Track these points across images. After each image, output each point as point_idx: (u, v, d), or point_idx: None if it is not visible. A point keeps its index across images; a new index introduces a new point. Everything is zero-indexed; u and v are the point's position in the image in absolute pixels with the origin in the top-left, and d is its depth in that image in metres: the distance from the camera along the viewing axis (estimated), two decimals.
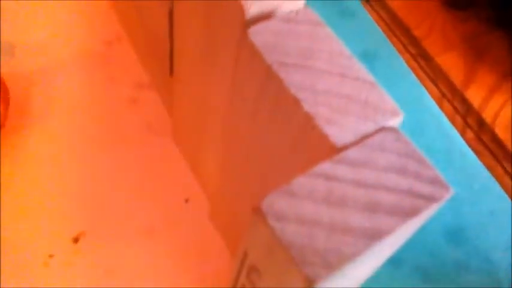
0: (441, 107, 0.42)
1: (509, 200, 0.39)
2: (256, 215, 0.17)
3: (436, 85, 0.43)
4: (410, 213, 0.18)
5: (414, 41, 0.45)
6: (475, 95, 0.43)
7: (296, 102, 0.19)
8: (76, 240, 0.34)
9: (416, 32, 0.45)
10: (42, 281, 0.32)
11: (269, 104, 0.22)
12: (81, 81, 0.40)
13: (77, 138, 0.38)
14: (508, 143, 0.41)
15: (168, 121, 0.39)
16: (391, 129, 0.19)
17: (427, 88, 0.43)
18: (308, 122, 0.19)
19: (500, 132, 0.41)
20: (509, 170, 0.40)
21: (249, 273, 0.21)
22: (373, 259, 0.19)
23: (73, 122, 0.38)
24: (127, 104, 0.40)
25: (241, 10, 0.21)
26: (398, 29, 0.46)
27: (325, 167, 0.18)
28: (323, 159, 0.19)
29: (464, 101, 0.42)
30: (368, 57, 0.44)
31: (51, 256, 0.33)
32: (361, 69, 0.21)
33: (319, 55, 0.21)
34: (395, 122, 0.20)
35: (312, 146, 0.20)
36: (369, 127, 0.19)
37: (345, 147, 0.19)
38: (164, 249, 0.35)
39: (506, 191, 0.39)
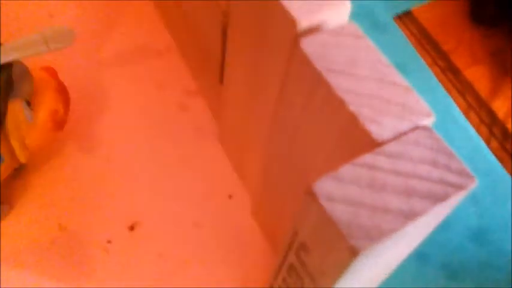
0: (468, 117, 0.45)
1: None
2: (309, 196, 0.20)
3: (464, 97, 0.46)
4: (440, 198, 0.21)
5: (443, 55, 0.48)
6: (500, 107, 0.45)
7: (342, 103, 0.23)
8: (132, 228, 0.37)
9: (445, 47, 0.48)
10: (101, 264, 0.36)
11: (316, 107, 0.25)
12: (134, 88, 0.44)
13: (132, 139, 0.42)
14: None
15: (214, 125, 0.43)
16: (424, 128, 0.22)
17: (455, 100, 0.46)
18: (352, 121, 0.22)
19: None
20: None
21: (297, 250, 0.24)
22: (407, 239, 0.22)
23: (128, 125, 0.42)
24: (176, 109, 0.43)
25: (293, 23, 0.25)
26: (428, 44, 0.49)
27: (368, 157, 0.21)
28: (364, 153, 0.22)
29: (490, 112, 0.45)
30: (399, 70, 0.47)
31: (109, 242, 0.37)
32: (397, 75, 0.24)
33: (361, 64, 0.24)
34: (428, 121, 0.23)
35: (355, 142, 0.23)
36: (405, 126, 0.22)
37: (384, 142, 0.22)
38: (209, 240, 0.38)
39: None
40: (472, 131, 0.44)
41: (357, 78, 0.23)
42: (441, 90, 0.46)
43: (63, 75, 0.38)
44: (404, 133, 0.22)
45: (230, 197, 0.40)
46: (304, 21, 0.24)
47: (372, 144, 0.22)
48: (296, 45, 0.25)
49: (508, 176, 0.43)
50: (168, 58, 0.46)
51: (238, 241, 0.38)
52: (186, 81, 0.45)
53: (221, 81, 0.37)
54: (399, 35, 0.49)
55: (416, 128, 0.22)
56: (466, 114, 0.45)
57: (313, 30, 0.25)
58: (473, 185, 0.21)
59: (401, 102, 0.23)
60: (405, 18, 0.50)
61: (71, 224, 0.37)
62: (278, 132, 0.31)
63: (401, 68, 0.47)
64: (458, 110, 0.45)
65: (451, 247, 0.39)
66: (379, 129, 0.22)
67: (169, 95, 0.44)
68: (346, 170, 0.21)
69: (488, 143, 0.44)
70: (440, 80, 0.47)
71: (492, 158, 0.43)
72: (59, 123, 0.37)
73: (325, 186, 0.20)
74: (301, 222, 0.22)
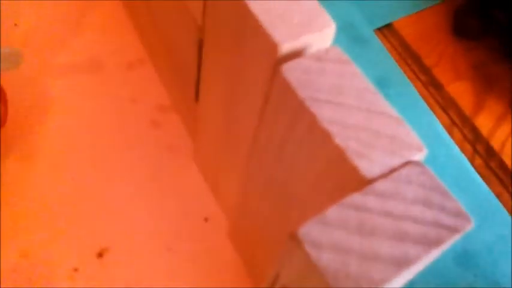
0: (451, 134, 0.44)
1: None
2: (293, 241, 0.19)
3: (446, 113, 0.44)
4: (435, 242, 0.19)
5: (425, 69, 0.47)
6: (483, 123, 0.44)
7: (327, 135, 0.21)
8: (100, 255, 0.35)
9: (427, 61, 0.47)
10: None
11: (298, 136, 0.23)
12: (102, 100, 0.42)
13: (99, 156, 0.39)
14: None
15: (189, 143, 0.41)
16: (417, 163, 0.21)
17: (437, 115, 0.44)
18: (339, 155, 0.21)
19: (508, 159, 0.43)
20: None
21: None
22: (397, 284, 0.20)
23: (95, 141, 0.40)
24: (148, 125, 0.41)
25: (274, 47, 0.23)
26: (410, 57, 0.47)
27: (356, 198, 0.19)
28: (352, 189, 0.20)
29: (474, 129, 0.44)
30: (381, 84, 0.45)
31: (76, 270, 0.34)
32: (386, 105, 0.22)
33: (347, 91, 0.22)
34: (419, 156, 0.21)
35: (342, 177, 0.21)
36: (396, 161, 0.21)
37: (374, 180, 0.20)
38: (184, 266, 0.36)
39: None
40: (456, 148, 0.43)
41: (343, 107, 0.22)
42: (423, 106, 0.45)
43: (28, 87, 0.36)
44: (395, 169, 0.20)
45: (206, 219, 0.38)
46: (285, 45, 0.23)
47: (360, 181, 0.20)
48: (277, 71, 0.23)
49: (492, 195, 0.42)
50: (141, 71, 0.44)
51: (214, 265, 0.36)
52: (159, 95, 0.43)
53: (196, 98, 0.35)
54: (380, 48, 0.47)
55: (407, 163, 0.21)
56: (449, 131, 0.44)
57: (295, 54, 0.23)
58: (470, 227, 0.20)
59: (390, 134, 0.21)
60: (386, 31, 0.49)
61: (33, 250, 0.35)
62: (257, 157, 0.29)
63: (383, 82, 0.46)
64: (441, 126, 0.44)
65: (436, 271, 0.37)
66: (368, 164, 0.20)
67: (141, 109, 0.42)
68: (333, 212, 0.19)
69: (472, 160, 0.43)
70: (422, 95, 0.45)
71: (476, 177, 0.42)
72: None
73: (311, 231, 0.19)
74: (283, 267, 0.20)
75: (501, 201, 0.41)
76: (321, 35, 0.23)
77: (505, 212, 0.41)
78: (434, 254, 0.19)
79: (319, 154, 0.22)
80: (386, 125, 0.21)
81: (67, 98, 0.41)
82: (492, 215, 0.40)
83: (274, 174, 0.28)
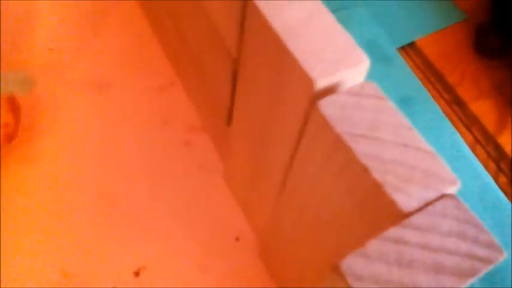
0: (474, 152, 0.44)
1: None
2: (335, 273, 0.20)
3: (470, 131, 0.45)
4: (470, 274, 0.20)
5: (448, 88, 0.48)
6: (507, 141, 0.45)
7: (365, 170, 0.22)
8: (137, 274, 0.36)
9: (450, 79, 0.48)
10: None
11: (335, 168, 0.24)
12: (134, 124, 0.43)
13: (132, 178, 0.41)
14: None
15: (219, 163, 0.42)
16: (451, 197, 0.22)
17: (461, 133, 0.45)
18: (377, 189, 0.22)
19: None
20: None
21: None
22: None
23: (128, 164, 0.41)
24: (180, 146, 0.43)
25: (310, 83, 0.24)
26: (433, 76, 0.48)
27: (395, 231, 0.21)
28: (389, 222, 0.21)
29: (497, 146, 0.45)
30: (405, 103, 0.46)
31: None
32: (421, 140, 0.23)
33: (383, 127, 0.23)
34: (453, 189, 0.22)
35: (378, 210, 0.22)
36: (431, 194, 0.22)
37: (411, 213, 0.21)
38: (216, 285, 0.37)
39: None
40: (480, 166, 0.44)
41: (380, 142, 0.23)
42: (448, 124, 0.46)
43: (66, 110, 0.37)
44: (430, 202, 0.21)
45: (237, 239, 0.39)
46: (321, 81, 0.24)
47: (397, 214, 0.21)
48: (313, 106, 0.24)
49: None
50: (172, 93, 0.45)
51: (245, 284, 0.37)
52: (189, 117, 0.44)
53: (228, 123, 0.37)
54: (404, 67, 0.48)
55: (442, 196, 0.22)
56: (473, 149, 0.45)
57: (330, 89, 0.24)
58: (503, 258, 0.21)
59: (425, 168, 0.22)
60: (409, 49, 0.50)
61: (74, 270, 0.36)
62: (291, 186, 0.30)
63: (407, 101, 0.47)
64: (465, 144, 0.45)
65: None
66: (405, 198, 0.21)
67: (172, 131, 0.43)
68: (373, 245, 0.20)
69: (496, 178, 0.44)
70: (446, 113, 0.46)
71: (500, 194, 0.43)
72: (9, 136, 0.38)
73: (353, 264, 0.20)
74: None
75: None
76: (356, 71, 0.24)
77: None
78: (468, 283, 0.20)
79: (356, 187, 0.23)
80: (421, 160, 0.23)
81: (94, 117, 0.43)
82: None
83: (308, 203, 0.29)
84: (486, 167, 0.44)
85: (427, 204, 0.21)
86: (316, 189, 0.27)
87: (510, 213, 0.42)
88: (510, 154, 0.44)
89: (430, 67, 0.49)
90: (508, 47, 0.49)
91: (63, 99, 0.43)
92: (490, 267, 0.21)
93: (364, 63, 0.25)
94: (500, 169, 0.44)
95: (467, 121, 0.46)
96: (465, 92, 0.47)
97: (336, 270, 0.20)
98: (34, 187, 0.39)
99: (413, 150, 0.23)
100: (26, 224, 0.38)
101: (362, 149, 0.22)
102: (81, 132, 0.42)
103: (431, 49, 0.49)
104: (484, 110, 0.47)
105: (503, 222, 0.42)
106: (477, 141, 0.45)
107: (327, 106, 0.24)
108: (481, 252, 0.21)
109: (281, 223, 0.34)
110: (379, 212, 0.22)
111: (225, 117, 0.37)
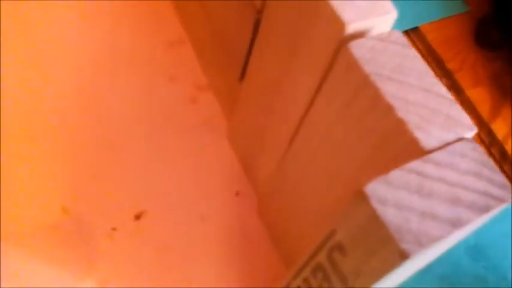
0: None
1: None
2: (359, 197, 0.21)
3: None
4: (484, 209, 0.21)
5: (447, 73, 0.49)
6: (499, 128, 0.47)
7: (390, 108, 0.23)
8: (138, 217, 0.37)
9: (449, 65, 0.50)
10: (105, 252, 0.35)
11: (359, 111, 0.25)
12: (142, 76, 0.44)
13: (140, 130, 0.41)
14: None
15: (223, 121, 0.43)
16: (469, 140, 0.23)
17: None
18: (400, 127, 0.23)
19: None
20: None
21: (331, 251, 0.24)
22: (444, 245, 0.23)
23: (136, 116, 0.42)
24: (186, 103, 0.43)
25: (342, 26, 0.25)
26: (434, 61, 0.50)
27: (417, 164, 0.22)
28: (411, 160, 0.22)
29: (490, 132, 0.46)
30: None
31: (114, 229, 0.36)
32: (442, 87, 0.24)
33: (408, 72, 0.24)
34: (471, 134, 0.23)
35: (400, 148, 0.23)
36: (451, 136, 0.23)
37: (431, 151, 0.22)
38: (214, 235, 0.38)
39: None
40: None
41: (405, 85, 0.24)
42: None
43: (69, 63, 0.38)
44: (450, 143, 0.23)
45: (237, 194, 0.40)
46: (352, 25, 0.25)
47: (419, 152, 0.22)
48: (342, 48, 0.25)
49: None
50: (180, 51, 0.45)
51: (243, 238, 0.38)
52: (197, 75, 0.44)
53: (241, 78, 0.37)
54: None
55: (460, 139, 0.23)
56: None
57: (359, 34, 0.25)
58: None
59: (446, 113, 0.23)
60: (413, 34, 0.51)
61: (74, 207, 0.37)
62: (303, 137, 0.31)
63: None
64: None
65: (450, 260, 0.40)
66: (427, 137, 0.22)
67: (179, 88, 0.44)
68: (396, 174, 0.21)
69: None
70: None
71: None
72: None
73: (376, 189, 0.21)
74: (342, 223, 0.22)
75: None
76: (385, 19, 0.25)
77: None
78: (483, 219, 0.22)
79: (378, 127, 0.24)
80: (443, 105, 0.24)
81: (112, 71, 0.43)
82: (505, 212, 0.43)
83: (318, 153, 0.30)
84: None
85: (447, 145, 0.22)
86: (330, 138, 0.28)
87: None
88: (501, 140, 0.46)
89: (432, 53, 0.50)
90: (507, 40, 0.50)
91: None
92: (503, 205, 0.22)
93: (392, 14, 0.26)
94: (490, 154, 0.46)
95: (463, 106, 0.47)
96: (463, 79, 0.49)
97: (360, 195, 0.21)
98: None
99: (435, 96, 0.24)
100: (27, 151, 0.38)
101: (388, 90, 0.23)
102: (88, 81, 0.42)
103: (434, 35, 0.51)
104: (480, 97, 0.48)
105: None
106: None
107: (357, 48, 0.25)
108: (495, 191, 0.22)
109: (285, 177, 0.35)
110: (401, 150, 0.23)
111: (237, 72, 0.38)
